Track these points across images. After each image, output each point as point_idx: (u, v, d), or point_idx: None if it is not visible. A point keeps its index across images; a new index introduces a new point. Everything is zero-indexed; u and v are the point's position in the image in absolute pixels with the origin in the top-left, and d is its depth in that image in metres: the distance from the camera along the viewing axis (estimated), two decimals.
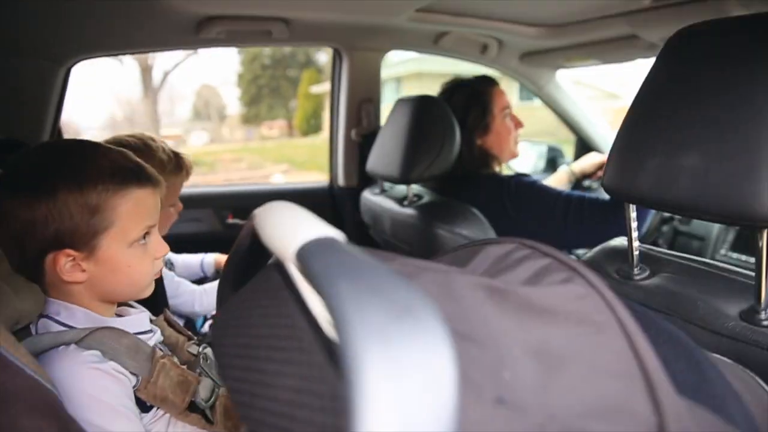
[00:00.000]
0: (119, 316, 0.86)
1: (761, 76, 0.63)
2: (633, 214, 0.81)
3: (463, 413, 0.22)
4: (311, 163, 13.28)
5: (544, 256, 0.34)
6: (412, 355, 0.21)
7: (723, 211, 0.65)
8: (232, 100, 17.98)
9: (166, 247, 0.86)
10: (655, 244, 2.12)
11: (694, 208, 0.68)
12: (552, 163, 2.42)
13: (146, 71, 11.97)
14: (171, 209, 1.39)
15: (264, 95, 17.37)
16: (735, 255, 1.74)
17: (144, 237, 0.81)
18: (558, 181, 2.01)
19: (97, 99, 25.81)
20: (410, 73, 14.43)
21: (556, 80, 2.31)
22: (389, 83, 15.98)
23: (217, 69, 25.43)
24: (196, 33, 1.55)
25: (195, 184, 1.97)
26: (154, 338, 0.87)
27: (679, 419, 0.28)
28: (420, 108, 1.49)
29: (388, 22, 1.72)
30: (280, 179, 11.33)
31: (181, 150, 1.40)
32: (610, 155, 0.80)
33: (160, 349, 0.85)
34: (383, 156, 1.58)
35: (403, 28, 1.78)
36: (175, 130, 17.12)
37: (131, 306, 0.92)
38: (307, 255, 0.27)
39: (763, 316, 0.68)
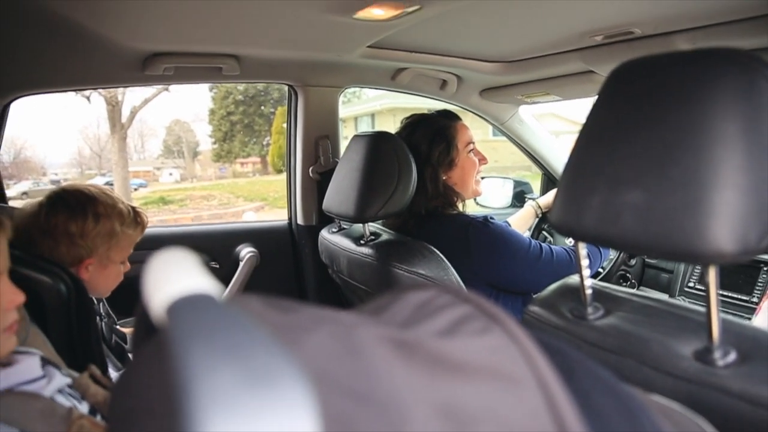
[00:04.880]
0: (5, 364, 0.77)
1: (698, 110, 0.62)
2: (584, 252, 0.78)
3: None
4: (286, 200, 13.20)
5: (464, 302, 0.32)
6: (263, 427, 0.18)
7: (667, 248, 0.63)
8: (205, 137, 17.77)
9: (20, 295, 0.77)
10: (624, 278, 2.12)
11: (637, 244, 0.66)
12: (519, 197, 2.43)
13: (115, 108, 11.72)
14: (121, 266, 1.31)
15: (237, 132, 17.28)
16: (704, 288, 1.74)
17: None
18: (525, 216, 2.03)
19: (63, 135, 25.43)
20: (385, 108, 14.54)
21: (519, 115, 2.34)
22: (364, 119, 16.11)
23: (189, 105, 25.27)
24: (142, 69, 1.51)
25: (152, 224, 1.91)
26: (51, 385, 0.78)
27: None
28: (374, 145, 1.46)
29: (341, 59, 1.71)
30: (251, 216, 11.19)
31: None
32: (557, 192, 0.79)
33: (91, 409, 0.78)
34: (338, 194, 1.54)
35: (358, 64, 1.77)
36: (145, 167, 16.87)
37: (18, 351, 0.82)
38: (170, 315, 0.24)
39: (716, 355, 0.66)
